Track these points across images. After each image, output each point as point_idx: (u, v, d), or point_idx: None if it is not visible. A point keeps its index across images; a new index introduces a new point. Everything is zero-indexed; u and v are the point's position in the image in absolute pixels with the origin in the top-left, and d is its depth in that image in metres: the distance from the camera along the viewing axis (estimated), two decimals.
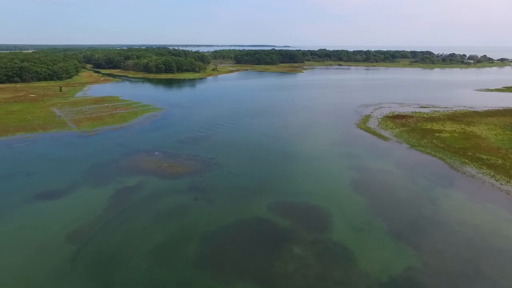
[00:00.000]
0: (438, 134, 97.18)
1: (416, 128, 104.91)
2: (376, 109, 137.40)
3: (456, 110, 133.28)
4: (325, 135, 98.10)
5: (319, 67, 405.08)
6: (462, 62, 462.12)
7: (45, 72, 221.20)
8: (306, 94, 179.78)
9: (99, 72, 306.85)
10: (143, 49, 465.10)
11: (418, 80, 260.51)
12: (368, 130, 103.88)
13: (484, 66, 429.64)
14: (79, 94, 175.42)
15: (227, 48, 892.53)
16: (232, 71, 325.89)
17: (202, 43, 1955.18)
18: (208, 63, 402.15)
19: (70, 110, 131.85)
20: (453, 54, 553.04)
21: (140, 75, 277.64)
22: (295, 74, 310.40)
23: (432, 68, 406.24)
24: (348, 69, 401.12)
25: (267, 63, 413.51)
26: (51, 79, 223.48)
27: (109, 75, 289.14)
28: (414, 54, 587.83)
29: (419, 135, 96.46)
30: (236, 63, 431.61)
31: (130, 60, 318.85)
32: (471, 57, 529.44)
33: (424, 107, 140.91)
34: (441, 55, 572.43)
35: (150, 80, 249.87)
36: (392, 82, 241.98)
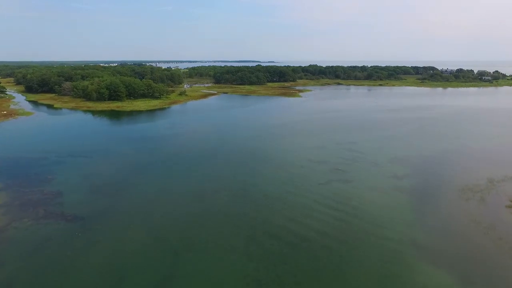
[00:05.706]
0: None
1: None
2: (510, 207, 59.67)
3: None
4: None
5: (315, 87, 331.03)
6: (481, 79, 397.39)
7: None
8: (327, 155, 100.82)
9: (24, 98, 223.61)
10: (97, 66, 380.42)
11: (475, 111, 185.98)
12: None
13: (509, 85, 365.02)
14: None
15: (210, 64, 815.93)
16: (207, 96, 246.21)
17: (185, 59, 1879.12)
18: (180, 83, 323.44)
19: None
20: (461, 69, 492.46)
21: (73, 103, 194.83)
22: (290, 99, 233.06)
23: (445, 88, 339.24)
24: (348, 89, 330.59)
25: (252, 83, 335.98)
26: None
27: (32, 102, 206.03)
28: (416, 69, 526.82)
29: None
30: (216, 83, 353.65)
31: (67, 82, 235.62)
32: (480, 73, 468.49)
33: None
34: (446, 70, 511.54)
35: (86, 113, 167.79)
36: (442, 115, 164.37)
